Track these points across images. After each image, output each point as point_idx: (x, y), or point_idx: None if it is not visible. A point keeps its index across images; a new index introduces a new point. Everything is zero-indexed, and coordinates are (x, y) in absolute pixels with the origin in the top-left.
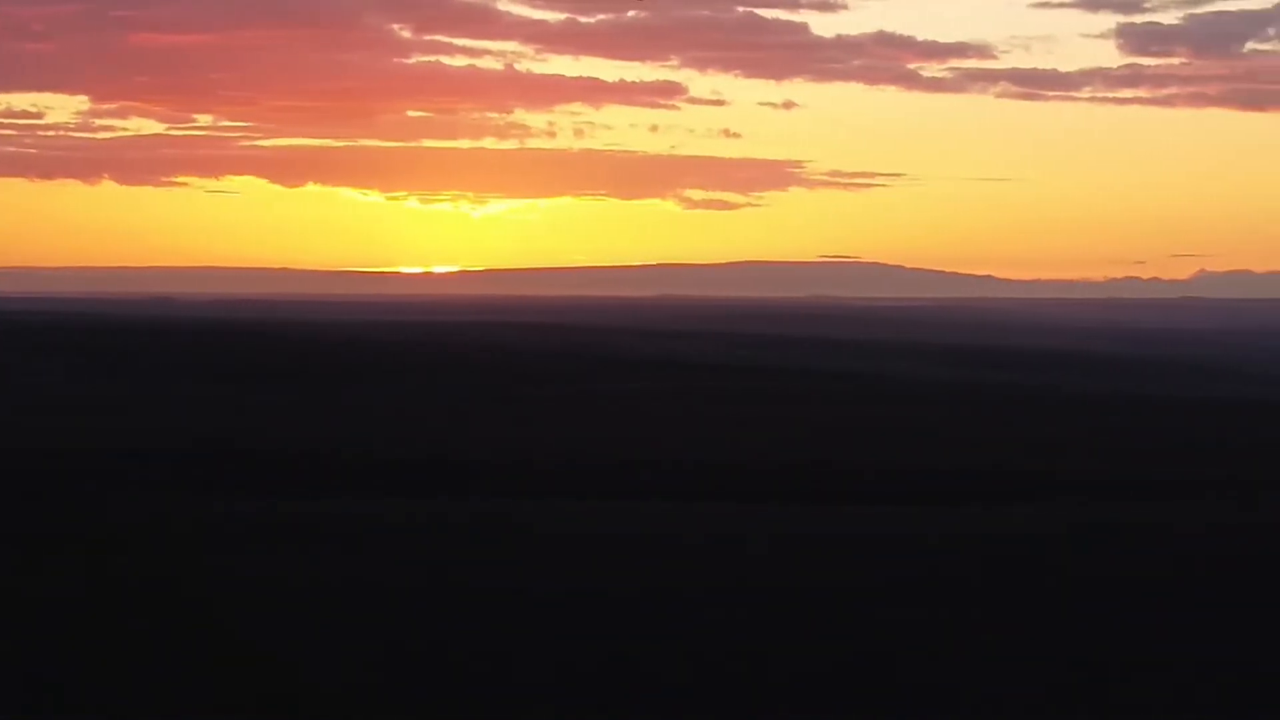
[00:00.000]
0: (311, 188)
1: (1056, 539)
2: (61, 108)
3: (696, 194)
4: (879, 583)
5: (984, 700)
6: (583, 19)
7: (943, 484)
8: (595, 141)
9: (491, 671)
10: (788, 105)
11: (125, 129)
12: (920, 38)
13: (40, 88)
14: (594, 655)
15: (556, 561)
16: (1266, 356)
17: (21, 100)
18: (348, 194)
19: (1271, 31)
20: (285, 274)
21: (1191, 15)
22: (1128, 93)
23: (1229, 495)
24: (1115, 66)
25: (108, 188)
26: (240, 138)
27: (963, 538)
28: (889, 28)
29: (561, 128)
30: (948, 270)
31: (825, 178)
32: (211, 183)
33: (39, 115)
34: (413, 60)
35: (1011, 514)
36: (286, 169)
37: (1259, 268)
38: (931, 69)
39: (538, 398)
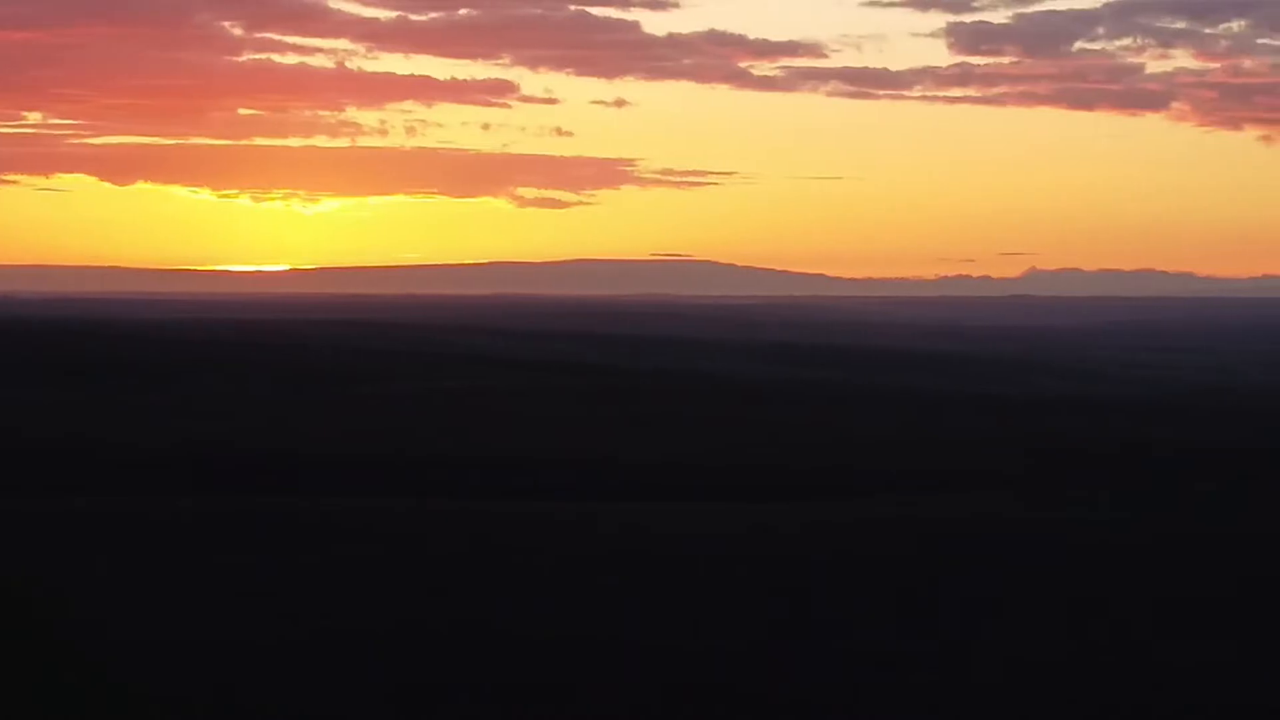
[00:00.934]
0: (142, 186)
1: (885, 535)
2: None
3: (529, 192)
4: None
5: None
6: (414, 17)
7: (770, 481)
8: (427, 140)
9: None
10: (619, 103)
11: None
12: (751, 36)
13: None
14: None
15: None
16: (1096, 354)
17: None
18: (179, 192)
19: (1100, 31)
20: (116, 272)
21: (1021, 15)
22: (958, 91)
23: (1043, 488)
24: (945, 65)
25: None
26: (70, 135)
27: (780, 533)
28: (720, 26)
29: (393, 126)
30: (780, 268)
31: (657, 176)
32: (41, 180)
33: None
34: (243, 58)
35: (833, 511)
36: (117, 167)
37: (1088, 266)
38: (763, 67)
39: (365, 396)
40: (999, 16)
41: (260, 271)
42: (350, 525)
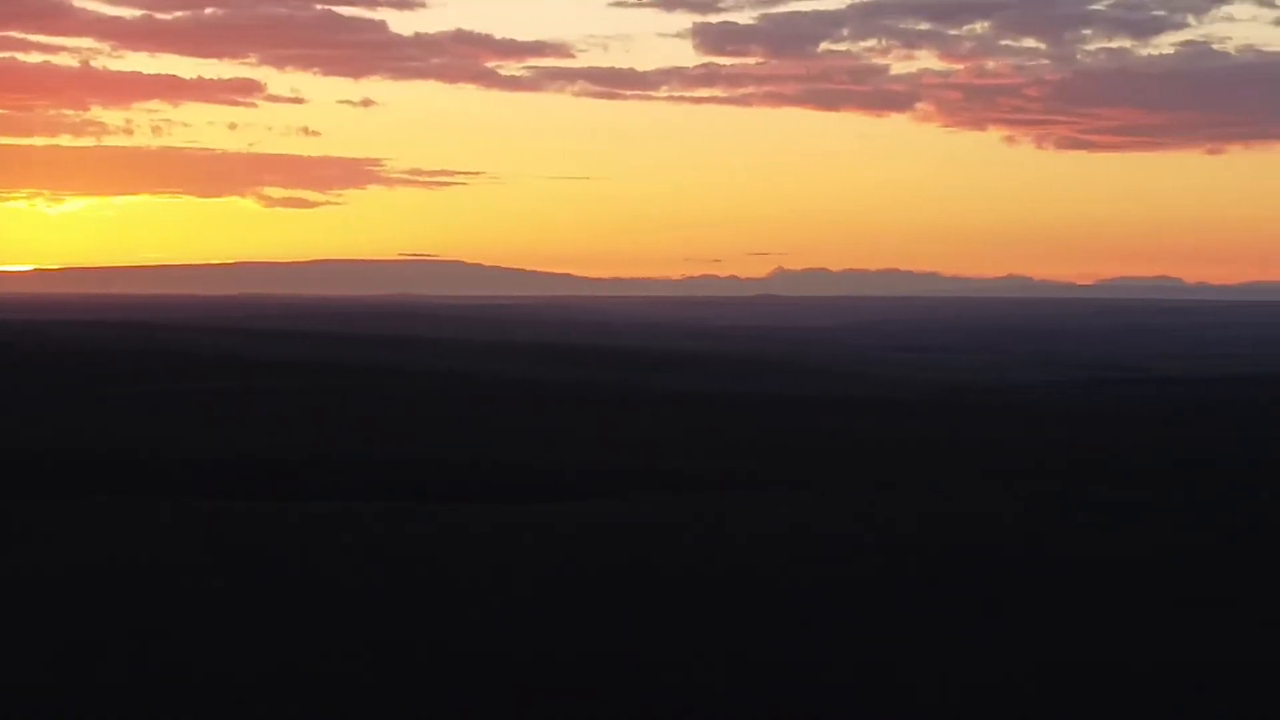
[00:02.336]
0: None
1: (647, 533)
2: None
3: (276, 192)
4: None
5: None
6: (160, 16)
7: (524, 480)
8: (174, 139)
9: None
10: (366, 103)
11: None
12: (498, 36)
13: None
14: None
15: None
16: (836, 353)
17: None
18: None
19: (845, 32)
20: None
21: (766, 15)
22: (704, 92)
23: (785, 486)
24: (692, 66)
25: None
26: None
27: (548, 531)
28: (467, 26)
29: (139, 125)
30: (528, 268)
31: (405, 176)
32: None
33: None
34: None
35: (591, 510)
36: None
37: (834, 266)
38: (510, 67)
39: (115, 395)
40: (745, 17)
41: (4, 272)
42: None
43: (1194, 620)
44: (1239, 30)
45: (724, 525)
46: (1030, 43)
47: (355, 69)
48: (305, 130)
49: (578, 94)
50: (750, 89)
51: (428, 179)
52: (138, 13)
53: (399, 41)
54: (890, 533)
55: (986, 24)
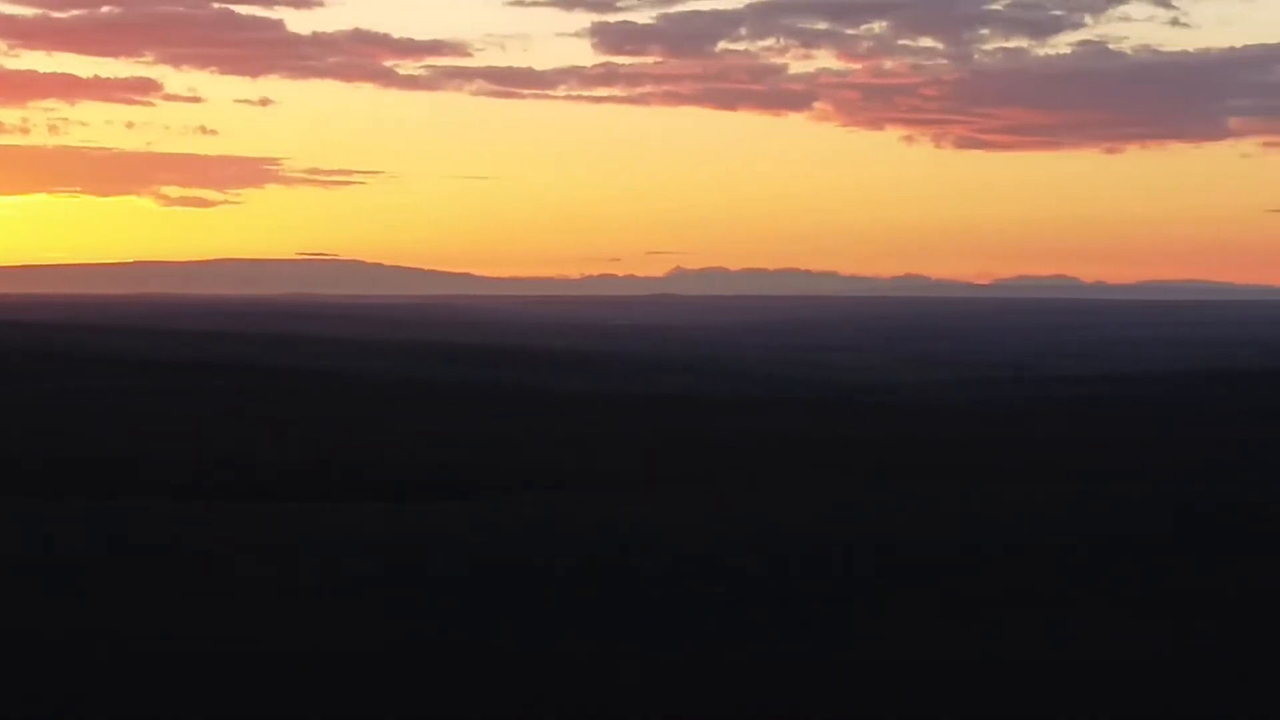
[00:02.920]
0: None
1: (506, 532)
2: None
3: (173, 191)
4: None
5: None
6: (56, 14)
7: (409, 479)
8: (70, 138)
9: None
10: (264, 102)
11: None
12: (396, 35)
13: None
14: None
15: None
16: (734, 353)
17: None
18: None
19: (743, 31)
20: None
21: (664, 15)
22: (603, 91)
23: (682, 486)
24: (590, 65)
25: None
26: None
27: (425, 532)
28: (365, 25)
29: (36, 124)
30: (426, 268)
31: (303, 175)
32: None
33: None
34: None
35: (453, 510)
36: None
37: (733, 265)
38: (408, 66)
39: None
40: (643, 17)
41: None
42: None
43: (1005, 619)
44: (1136, 30)
45: (595, 522)
46: (928, 42)
47: (253, 68)
48: (203, 129)
49: (476, 93)
50: (648, 88)
51: (326, 178)
52: (33, 11)
53: (297, 40)
54: (739, 531)
55: (884, 24)
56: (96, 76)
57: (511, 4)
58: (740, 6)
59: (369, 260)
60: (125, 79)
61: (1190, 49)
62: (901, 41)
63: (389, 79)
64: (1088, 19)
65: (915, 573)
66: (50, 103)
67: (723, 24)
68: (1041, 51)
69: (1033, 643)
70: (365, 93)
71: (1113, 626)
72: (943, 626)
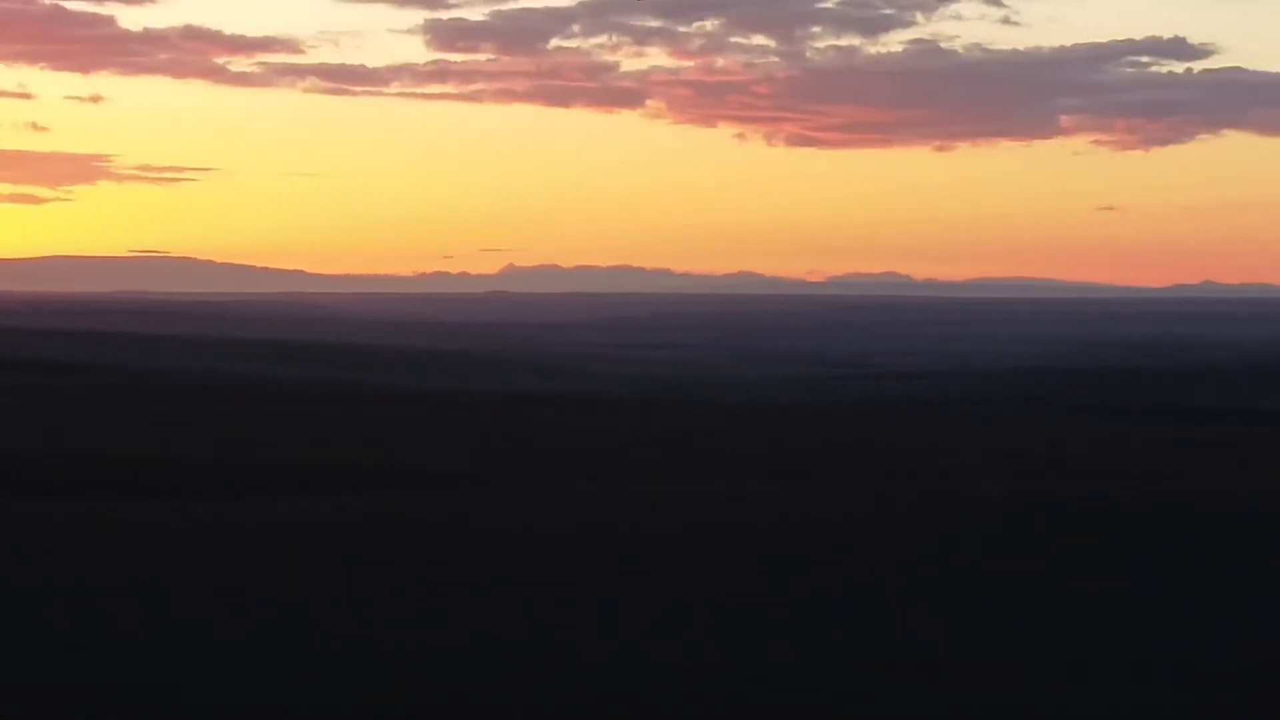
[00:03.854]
0: None
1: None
2: None
3: (4, 188)
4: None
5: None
6: None
7: (222, 477)
8: None
9: None
10: (95, 99)
11: None
12: (228, 31)
13: None
14: None
15: None
16: (569, 350)
17: None
18: None
19: (576, 29)
20: None
21: (497, 12)
22: (435, 88)
23: (488, 485)
24: (423, 63)
25: None
26: None
27: (240, 530)
28: (197, 21)
29: None
30: (259, 265)
31: (134, 172)
32: None
33: None
34: None
35: (283, 508)
36: None
37: (566, 263)
38: (239, 63)
39: None
40: (476, 14)
41: None
42: None
43: (836, 615)
44: (967, 29)
45: (420, 520)
46: (760, 40)
47: (84, 64)
48: (33, 126)
49: (308, 90)
50: (481, 85)
51: (158, 175)
52: None
53: (128, 37)
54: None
55: (716, 21)
56: None
57: (344, 1)
58: (572, 4)
59: (201, 258)
60: None
61: (1021, 47)
62: (734, 39)
63: (221, 75)
64: (919, 17)
65: (741, 568)
66: None
67: (555, 21)
68: (873, 49)
69: (859, 639)
70: (197, 89)
71: (932, 622)
72: (772, 621)
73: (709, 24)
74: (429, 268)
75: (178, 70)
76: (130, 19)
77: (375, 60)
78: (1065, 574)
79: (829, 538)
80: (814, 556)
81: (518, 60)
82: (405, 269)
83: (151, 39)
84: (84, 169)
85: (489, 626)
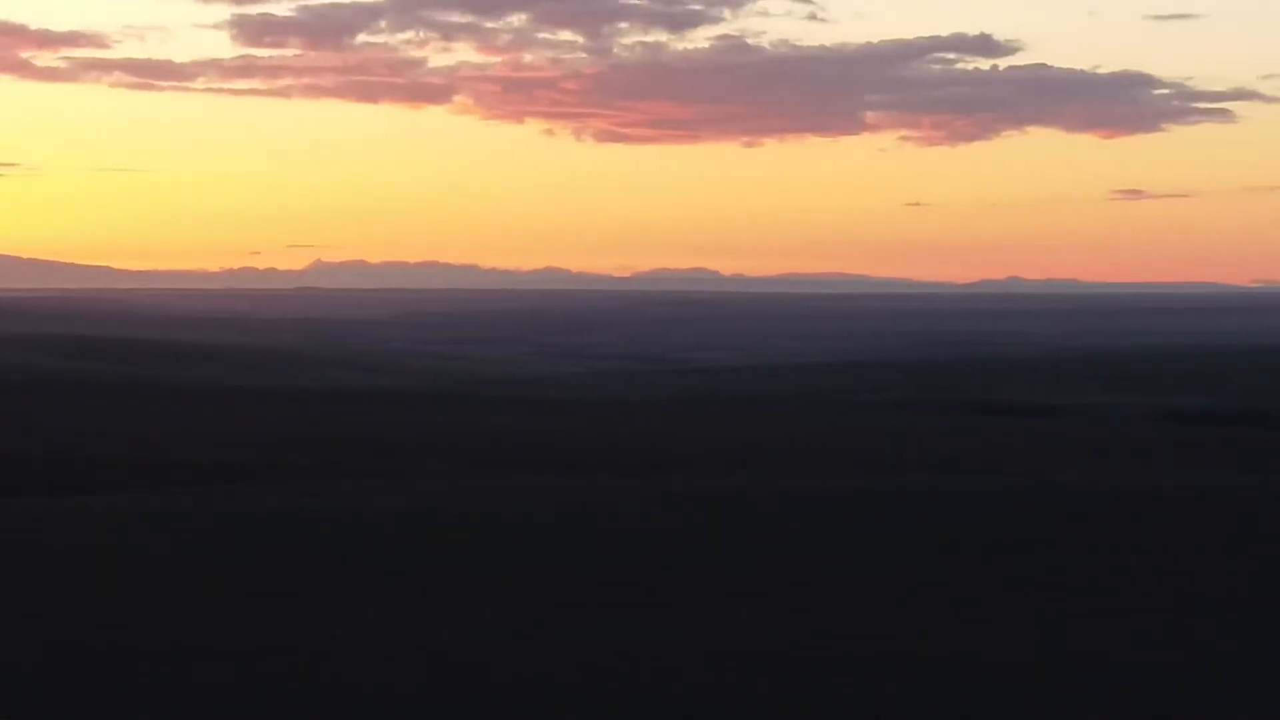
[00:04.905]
0: None
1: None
2: None
3: None
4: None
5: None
6: None
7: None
8: None
9: None
10: None
11: None
12: (33, 26)
13: None
14: None
15: None
16: (378, 345)
17: None
18: None
19: (383, 24)
20: None
21: (304, 7)
22: (242, 84)
23: (316, 478)
24: (230, 58)
25: None
26: None
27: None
28: (2, 15)
29: None
30: (64, 260)
31: None
32: None
33: None
34: None
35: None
36: None
37: (373, 258)
38: (45, 58)
39: None
40: (282, 9)
41: None
42: None
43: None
44: (774, 25)
45: (207, 514)
46: (567, 36)
47: None
48: None
49: (114, 85)
50: (288, 81)
51: None
52: None
53: None
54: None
55: (524, 17)
56: None
57: None
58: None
59: (6, 253)
60: None
61: (828, 44)
62: (541, 35)
63: (26, 70)
64: (726, 13)
65: (500, 563)
66: None
67: (363, 17)
68: (680, 46)
69: (622, 636)
70: (3, 84)
71: (697, 619)
72: (527, 617)
73: (516, 20)
74: (237, 263)
75: None
76: None
77: (182, 55)
78: (854, 566)
79: (609, 529)
80: (595, 549)
81: (325, 56)
82: (213, 264)
83: None
84: None
85: (277, 616)
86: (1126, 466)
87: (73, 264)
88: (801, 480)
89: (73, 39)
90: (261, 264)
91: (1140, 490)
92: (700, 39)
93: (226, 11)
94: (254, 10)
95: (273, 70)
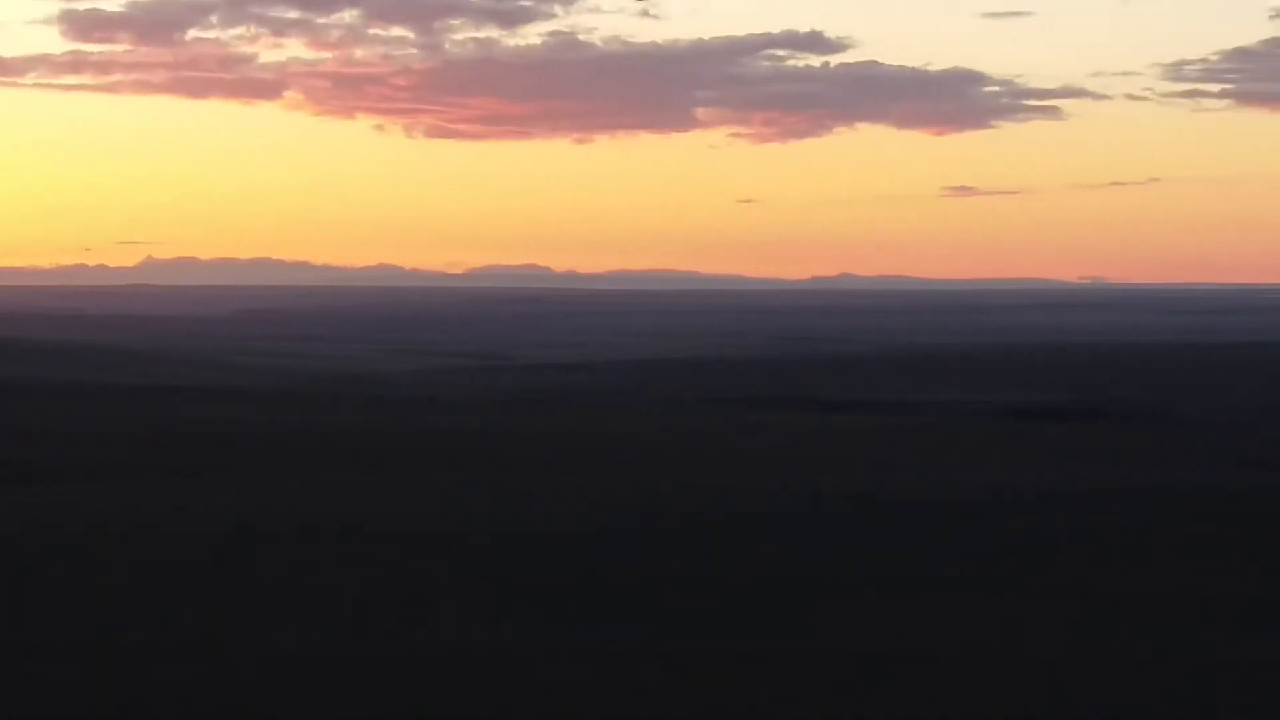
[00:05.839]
0: None
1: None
2: None
3: None
4: None
5: None
6: None
7: None
8: None
9: None
10: None
11: None
12: None
13: None
14: None
15: None
16: (208, 342)
17: None
18: None
19: (214, 20)
20: None
21: (134, 3)
22: (72, 79)
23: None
24: (59, 53)
25: None
26: None
27: None
28: None
29: None
30: None
31: None
32: None
33: None
34: None
35: None
36: None
37: (205, 255)
38: None
39: None
40: (112, 4)
41: None
42: None
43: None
44: (606, 21)
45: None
46: (399, 32)
47: None
48: None
49: None
50: (119, 76)
51: None
52: None
53: None
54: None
55: (355, 13)
56: None
57: None
58: None
59: None
60: None
61: (660, 40)
62: (372, 30)
63: None
64: (558, 10)
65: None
66: None
67: (193, 12)
68: (512, 42)
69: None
70: None
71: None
72: (366, 615)
73: (347, 15)
74: (68, 260)
75: None
76: None
77: (11, 50)
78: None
79: (436, 527)
80: (414, 544)
81: (155, 51)
82: (44, 261)
83: None
84: None
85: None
86: (960, 462)
87: None
88: (627, 474)
89: None
90: (93, 260)
91: (970, 487)
92: (532, 35)
93: (55, 6)
94: (83, 5)
95: (103, 66)
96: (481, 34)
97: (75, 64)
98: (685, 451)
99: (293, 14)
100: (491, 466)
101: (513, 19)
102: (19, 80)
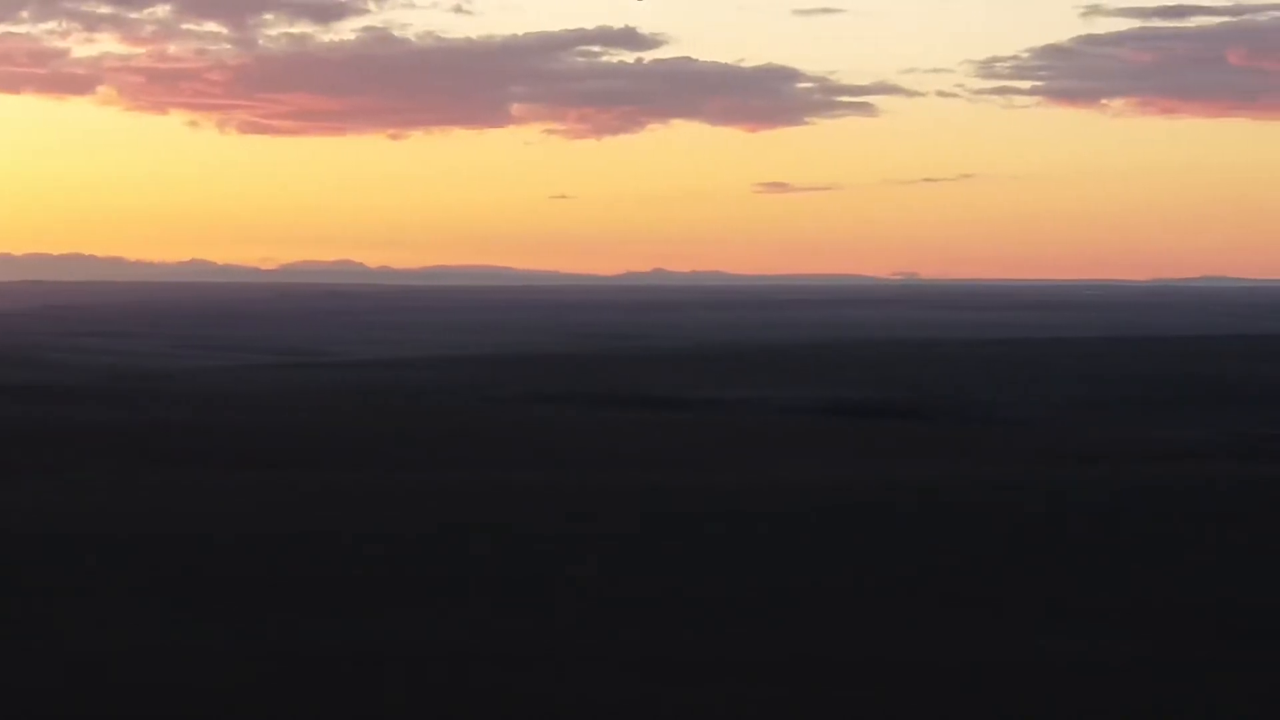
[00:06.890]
0: None
1: None
2: None
3: None
4: None
5: None
6: None
7: None
8: None
9: None
10: None
11: None
12: None
13: None
14: None
15: None
16: (18, 338)
17: None
18: None
19: (25, 14)
20: None
21: None
22: None
23: None
24: None
25: None
26: None
27: None
28: None
29: None
30: None
31: None
32: None
33: None
34: None
35: None
36: None
37: (16, 250)
38: None
39: None
40: None
41: None
42: None
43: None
44: (420, 17)
45: None
46: (212, 27)
47: None
48: None
49: None
50: None
51: None
52: None
53: None
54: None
55: (168, 8)
56: None
57: None
58: None
59: None
60: None
61: (474, 36)
62: (185, 25)
63: None
64: (372, 6)
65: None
66: None
67: (4, 6)
68: (326, 37)
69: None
70: None
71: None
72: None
73: (160, 10)
74: None
75: None
76: None
77: None
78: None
79: (249, 527)
80: (235, 544)
81: None
82: None
83: None
84: None
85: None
86: (777, 460)
87: None
88: (434, 473)
89: None
90: None
91: (786, 486)
92: (346, 31)
93: None
94: None
95: None
96: (295, 29)
97: None
98: (490, 446)
99: (105, 9)
100: (299, 465)
101: (327, 14)
102: None
